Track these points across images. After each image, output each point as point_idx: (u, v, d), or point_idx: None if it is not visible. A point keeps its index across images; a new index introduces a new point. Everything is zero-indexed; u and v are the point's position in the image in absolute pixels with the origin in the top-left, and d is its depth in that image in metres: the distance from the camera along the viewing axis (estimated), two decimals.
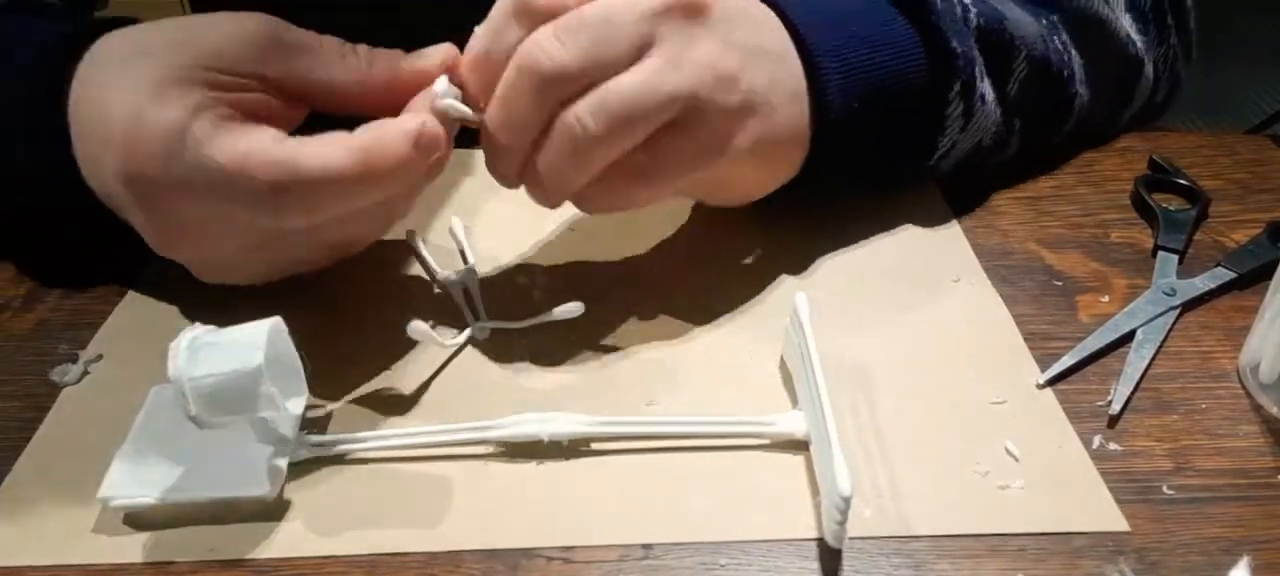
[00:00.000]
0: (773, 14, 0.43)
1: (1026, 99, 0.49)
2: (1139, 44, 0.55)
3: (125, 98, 0.35)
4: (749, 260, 0.48)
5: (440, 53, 0.39)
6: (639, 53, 0.37)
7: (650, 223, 0.50)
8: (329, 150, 0.35)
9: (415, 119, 0.36)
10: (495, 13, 0.38)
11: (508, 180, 0.40)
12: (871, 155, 0.47)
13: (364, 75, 0.39)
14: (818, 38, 0.43)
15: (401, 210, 0.41)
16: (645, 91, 0.37)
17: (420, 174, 0.37)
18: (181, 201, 0.36)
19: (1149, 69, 0.56)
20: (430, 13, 0.57)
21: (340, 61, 0.39)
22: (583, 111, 0.36)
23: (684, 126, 0.38)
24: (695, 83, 0.38)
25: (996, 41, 0.47)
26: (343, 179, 0.35)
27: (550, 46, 0.36)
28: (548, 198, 0.39)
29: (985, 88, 0.47)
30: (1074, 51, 0.52)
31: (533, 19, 0.37)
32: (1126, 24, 0.55)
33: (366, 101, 0.39)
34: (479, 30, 0.38)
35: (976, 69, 0.46)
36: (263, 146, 0.35)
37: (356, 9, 0.53)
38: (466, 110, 0.38)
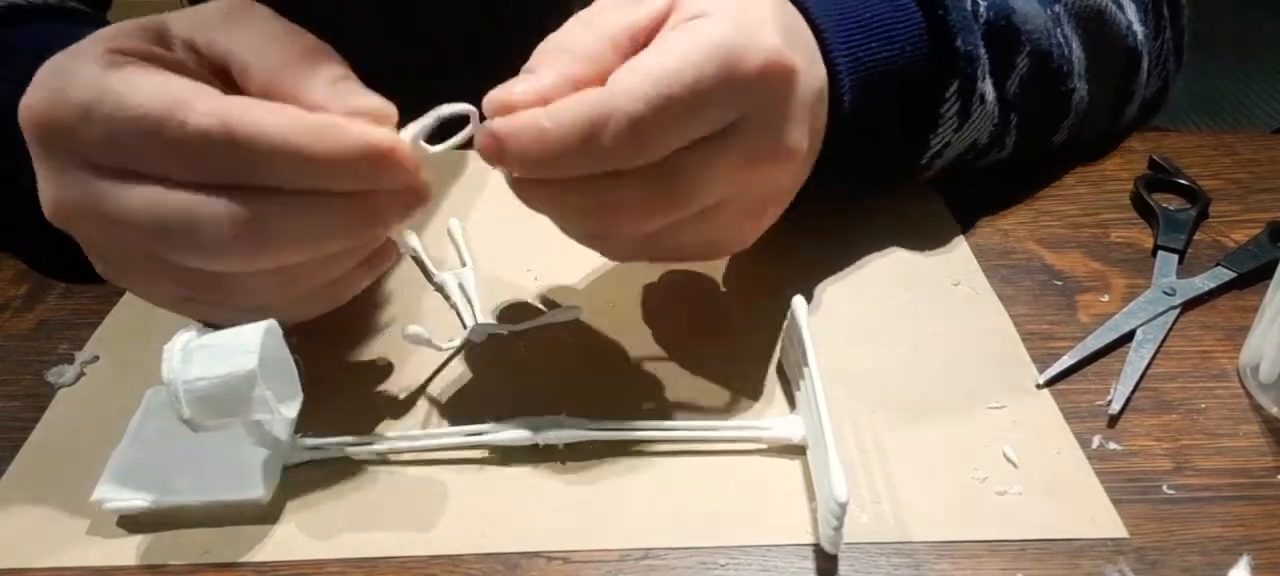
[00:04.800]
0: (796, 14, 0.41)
1: (1025, 95, 0.49)
2: (1139, 35, 0.54)
3: (60, 55, 0.34)
4: (746, 263, 0.47)
5: (360, 104, 0.33)
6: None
7: None
8: (276, 115, 0.31)
9: (386, 134, 0.32)
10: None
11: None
12: (867, 152, 0.45)
13: (274, 68, 0.34)
14: (834, 33, 0.41)
15: (344, 285, 0.37)
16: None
17: (368, 201, 0.33)
18: (83, 138, 0.32)
19: (1145, 62, 0.56)
20: (446, 19, 0.57)
21: (267, 44, 0.34)
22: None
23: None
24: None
25: (1002, 35, 0.46)
26: (284, 150, 0.31)
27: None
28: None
29: (985, 87, 0.46)
30: (1075, 44, 0.51)
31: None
32: (1131, 14, 0.54)
33: (269, 92, 0.34)
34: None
35: (979, 68, 0.45)
36: (198, 91, 0.31)
37: (372, 15, 0.52)
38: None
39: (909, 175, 0.49)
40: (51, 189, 0.34)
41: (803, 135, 0.37)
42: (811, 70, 0.39)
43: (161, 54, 0.34)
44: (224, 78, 0.35)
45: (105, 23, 0.51)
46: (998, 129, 0.49)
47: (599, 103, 0.33)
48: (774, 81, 0.35)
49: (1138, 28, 0.54)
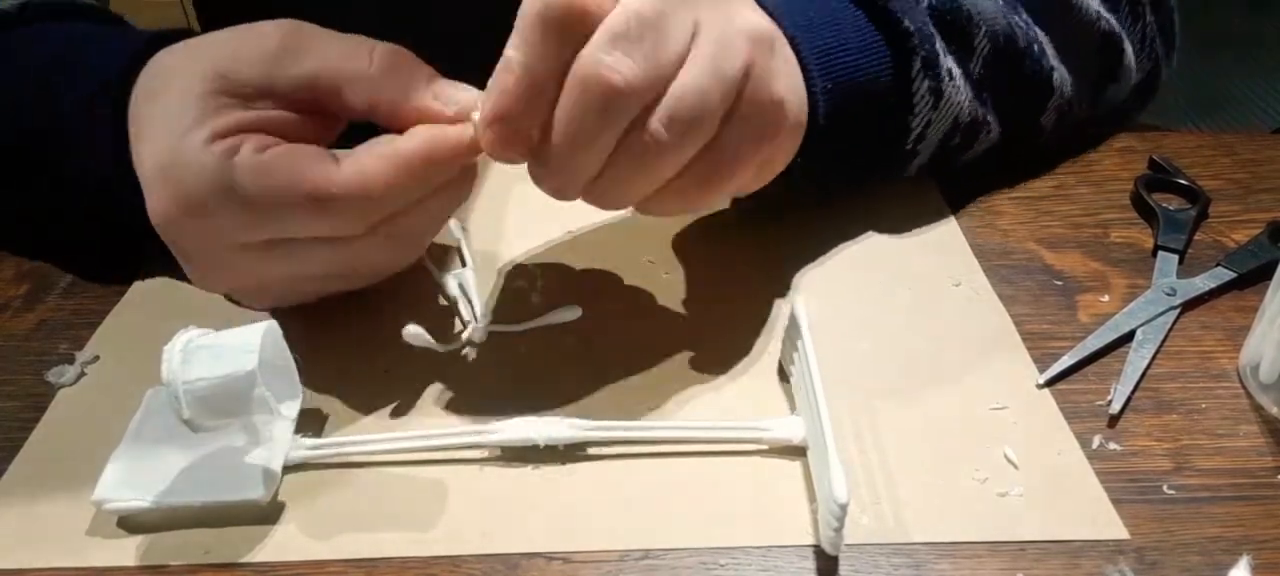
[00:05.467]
0: None
1: (995, 76, 0.49)
2: (1111, 20, 0.55)
3: (158, 140, 0.36)
4: (748, 264, 0.47)
5: (463, 100, 0.37)
6: (691, 42, 0.35)
7: (648, 226, 0.50)
8: (388, 161, 0.35)
9: (471, 133, 0.36)
10: (527, 26, 0.34)
11: (568, 196, 0.37)
12: (849, 144, 0.46)
13: (371, 79, 0.37)
14: (790, 20, 0.42)
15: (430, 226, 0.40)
16: (711, 85, 0.35)
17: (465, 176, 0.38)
18: (228, 231, 0.36)
19: (1129, 46, 0.56)
20: (450, 15, 0.57)
21: (351, 60, 0.37)
22: (655, 125, 0.34)
23: (745, 108, 0.36)
24: (748, 57, 0.36)
25: (953, 21, 0.47)
26: (410, 183, 0.35)
27: (616, 62, 0.33)
28: (609, 206, 0.37)
29: (949, 63, 0.47)
30: (1037, 27, 0.52)
31: (574, 28, 0.33)
32: (1095, 3, 0.54)
33: (376, 104, 0.37)
34: (511, 49, 0.34)
35: (936, 45, 0.46)
36: (315, 165, 0.35)
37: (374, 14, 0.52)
38: None
39: (898, 165, 0.49)
40: (211, 279, 0.39)
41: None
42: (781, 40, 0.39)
43: (252, 118, 0.36)
44: (307, 100, 0.37)
45: (109, 15, 0.50)
46: (976, 109, 0.49)
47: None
48: None
49: (1107, 14, 0.54)
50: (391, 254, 0.40)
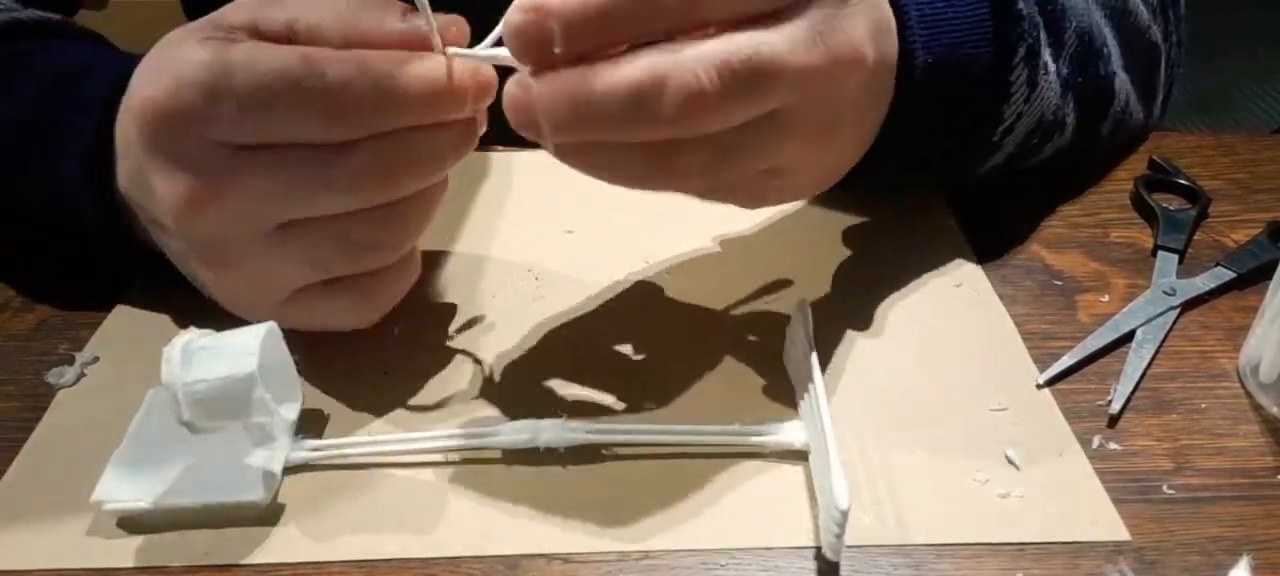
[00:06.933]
0: None
1: (1075, 75, 0.48)
2: (1156, 32, 0.54)
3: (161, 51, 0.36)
4: (749, 267, 0.47)
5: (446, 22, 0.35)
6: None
7: (649, 226, 0.50)
8: (393, 60, 0.33)
9: (487, 68, 0.34)
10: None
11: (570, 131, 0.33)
12: (938, 122, 0.43)
13: (342, 16, 0.35)
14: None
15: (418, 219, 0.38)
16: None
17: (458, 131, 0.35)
18: (223, 134, 0.34)
19: (1163, 59, 0.55)
20: None
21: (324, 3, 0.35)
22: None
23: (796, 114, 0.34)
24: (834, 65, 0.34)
25: (1051, 11, 0.45)
26: (415, 90, 0.33)
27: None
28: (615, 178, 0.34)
29: (1047, 56, 0.45)
30: (1108, 30, 0.51)
31: None
32: (1145, 13, 0.53)
33: (350, 41, 0.35)
34: None
35: (1041, 33, 0.44)
36: (318, 50, 0.33)
37: None
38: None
39: (981, 155, 0.46)
40: (181, 182, 0.35)
41: (864, 37, 0.35)
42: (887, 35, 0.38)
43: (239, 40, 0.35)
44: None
45: (98, 37, 0.50)
46: (1060, 108, 0.47)
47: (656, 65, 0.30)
48: (845, 70, 0.34)
49: (1155, 26, 0.54)
50: (393, 230, 0.37)
